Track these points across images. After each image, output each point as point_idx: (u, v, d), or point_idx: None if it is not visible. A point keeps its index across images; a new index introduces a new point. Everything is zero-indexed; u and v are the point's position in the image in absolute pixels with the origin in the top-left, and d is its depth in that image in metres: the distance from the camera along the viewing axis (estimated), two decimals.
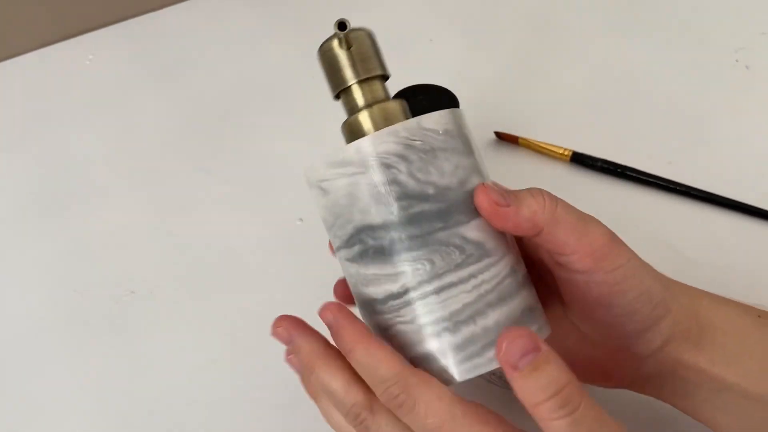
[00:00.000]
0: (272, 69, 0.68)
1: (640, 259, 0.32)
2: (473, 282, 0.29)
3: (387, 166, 0.28)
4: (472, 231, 0.29)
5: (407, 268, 0.29)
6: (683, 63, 0.65)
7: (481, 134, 0.58)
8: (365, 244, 0.29)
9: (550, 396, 0.25)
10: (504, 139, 0.58)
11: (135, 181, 0.56)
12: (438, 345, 0.28)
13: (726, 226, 0.48)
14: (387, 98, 0.32)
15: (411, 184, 0.28)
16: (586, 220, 0.31)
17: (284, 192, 0.53)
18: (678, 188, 0.51)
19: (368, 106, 0.31)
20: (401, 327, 0.29)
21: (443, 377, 0.29)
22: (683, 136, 0.57)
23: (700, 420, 0.33)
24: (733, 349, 0.31)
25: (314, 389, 0.31)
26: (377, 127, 0.30)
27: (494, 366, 0.28)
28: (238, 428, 0.40)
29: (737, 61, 0.65)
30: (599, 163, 0.54)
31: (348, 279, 0.32)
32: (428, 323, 0.29)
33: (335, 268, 0.48)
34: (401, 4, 0.77)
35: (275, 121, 0.62)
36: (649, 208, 0.50)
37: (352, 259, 0.30)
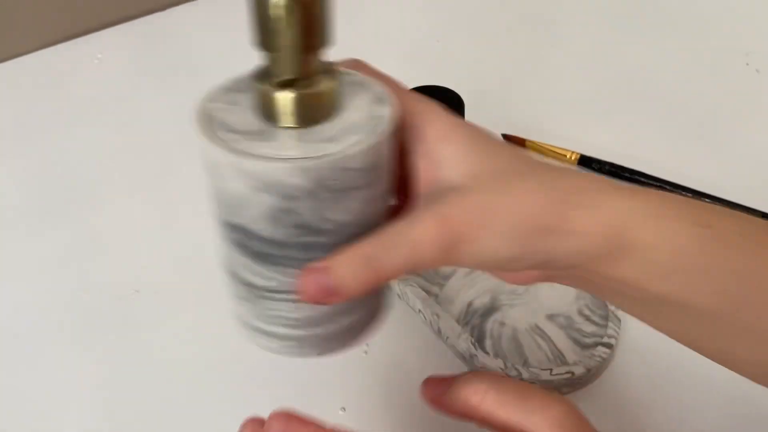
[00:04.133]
0: None
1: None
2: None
3: (291, 198, 0.26)
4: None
5: (279, 278, 0.28)
6: (693, 66, 0.65)
7: None
8: (246, 243, 0.28)
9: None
10: (511, 141, 0.57)
11: (142, 180, 0.56)
12: (281, 332, 0.30)
13: None
14: (319, 76, 0.27)
15: (311, 218, 0.27)
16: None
17: None
18: (688, 192, 0.50)
19: (297, 86, 0.27)
20: (247, 293, 0.30)
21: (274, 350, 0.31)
22: (693, 140, 0.57)
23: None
24: (667, 265, 0.27)
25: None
26: (297, 122, 0.27)
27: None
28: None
29: (748, 64, 0.65)
30: (607, 167, 0.53)
31: (220, 239, 0.30)
32: (275, 315, 0.29)
33: None
34: (409, 4, 0.77)
35: None
36: None
37: (227, 240, 0.29)
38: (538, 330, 0.43)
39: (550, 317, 0.44)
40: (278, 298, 0.29)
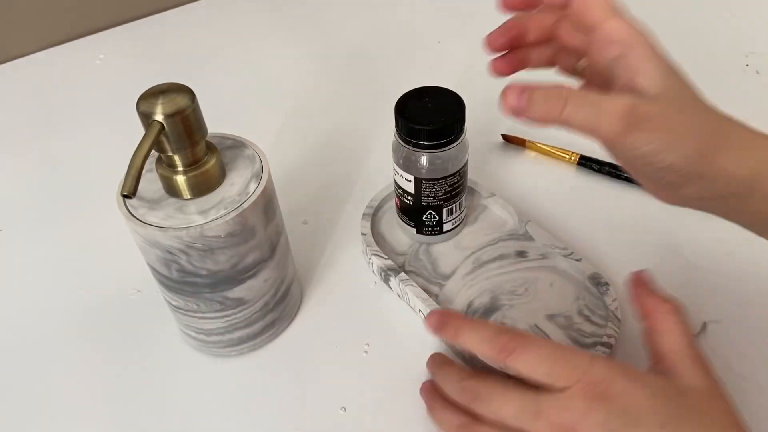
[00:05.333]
0: (280, 68, 0.68)
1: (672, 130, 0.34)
2: (226, 318, 0.40)
3: (170, 253, 0.36)
4: (234, 293, 0.39)
5: (181, 302, 0.39)
6: (693, 67, 0.64)
7: (488, 137, 0.58)
8: (156, 276, 0.39)
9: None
10: (511, 142, 0.57)
11: None
12: (195, 335, 0.42)
13: (735, 232, 0.48)
14: (204, 159, 0.36)
15: (188, 267, 0.36)
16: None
17: (289, 195, 0.53)
18: None
19: (186, 171, 0.35)
20: (170, 308, 0.42)
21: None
22: None
23: None
24: None
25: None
26: (193, 193, 0.36)
27: (229, 355, 0.43)
28: (243, 426, 0.41)
29: (747, 65, 0.65)
30: (606, 168, 0.54)
31: None
32: (187, 325, 0.41)
33: (333, 266, 0.49)
34: (410, 5, 0.77)
35: (277, 119, 0.62)
36: (656, 213, 0.50)
37: (149, 261, 0.38)
38: (537, 330, 0.43)
39: (550, 317, 0.44)
40: (185, 314, 0.40)
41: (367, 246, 0.47)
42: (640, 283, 0.38)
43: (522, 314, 0.44)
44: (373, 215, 0.50)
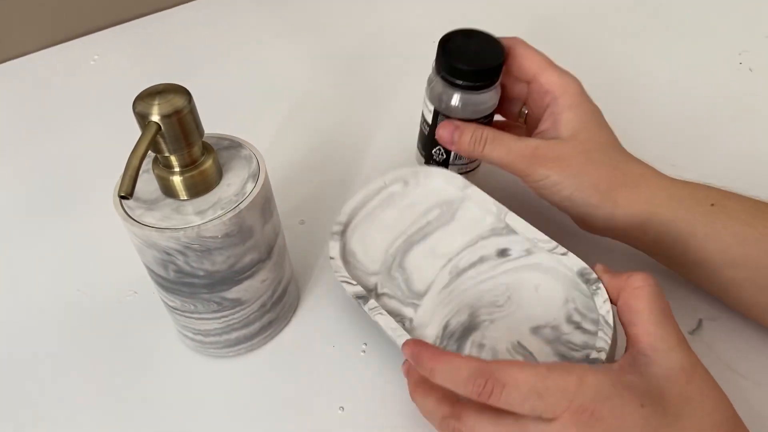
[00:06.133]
0: (277, 68, 0.68)
1: (572, 168, 0.42)
2: (224, 319, 0.40)
3: (167, 253, 0.36)
4: (231, 294, 0.39)
5: (178, 301, 0.39)
6: (687, 65, 0.65)
7: None
8: (152, 277, 0.39)
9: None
10: None
11: None
12: (191, 336, 0.42)
13: None
14: (201, 160, 0.36)
15: (185, 268, 0.37)
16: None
17: (286, 195, 0.53)
18: None
19: (183, 172, 0.35)
20: (167, 309, 0.42)
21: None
22: (687, 139, 0.57)
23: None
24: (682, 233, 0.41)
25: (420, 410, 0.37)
26: (190, 194, 0.36)
27: (227, 355, 0.43)
28: (241, 427, 0.41)
29: (741, 63, 0.65)
30: None
31: None
32: (184, 325, 0.42)
33: (330, 266, 0.49)
34: (409, 5, 0.77)
35: (274, 119, 0.62)
36: None
37: (146, 262, 0.38)
38: (520, 348, 0.39)
39: (535, 330, 0.40)
40: (182, 315, 0.40)
41: (335, 272, 0.43)
42: (605, 271, 0.38)
43: (503, 331, 0.40)
44: (343, 233, 0.45)
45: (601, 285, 0.39)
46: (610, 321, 0.38)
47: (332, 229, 0.45)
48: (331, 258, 0.44)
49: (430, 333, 0.41)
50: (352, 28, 0.73)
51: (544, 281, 0.42)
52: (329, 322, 0.45)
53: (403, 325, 0.41)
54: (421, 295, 0.42)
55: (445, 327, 0.41)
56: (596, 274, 0.39)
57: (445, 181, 0.47)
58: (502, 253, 0.43)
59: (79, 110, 0.64)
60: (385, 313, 0.40)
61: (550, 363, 0.34)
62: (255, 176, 0.37)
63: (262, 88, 0.66)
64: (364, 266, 0.44)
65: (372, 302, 0.41)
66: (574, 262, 0.41)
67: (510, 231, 0.44)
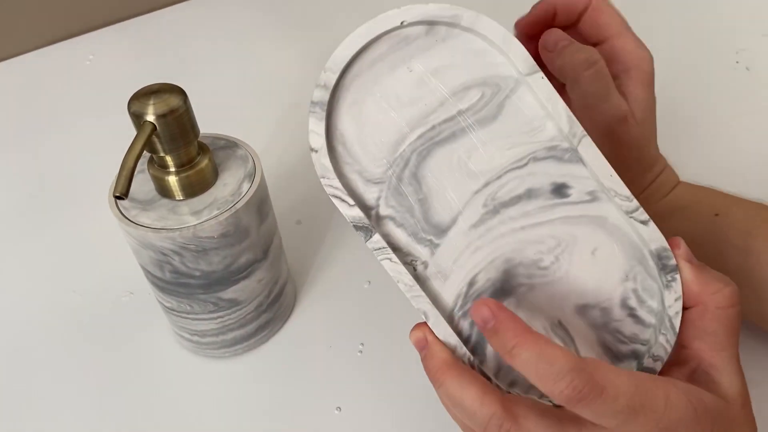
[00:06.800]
0: (272, 67, 0.68)
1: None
2: (220, 319, 0.40)
3: (163, 254, 0.36)
4: (227, 294, 0.39)
5: (173, 302, 0.39)
6: (684, 64, 0.65)
7: None
8: (148, 277, 0.39)
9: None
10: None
11: None
12: (186, 343, 0.43)
13: None
14: (196, 159, 0.35)
15: (181, 268, 0.36)
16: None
17: (282, 195, 0.53)
18: None
19: (178, 172, 0.35)
20: (163, 309, 0.42)
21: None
22: (683, 138, 0.57)
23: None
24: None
25: (444, 401, 0.29)
26: (186, 194, 0.36)
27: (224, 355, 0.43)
28: (239, 427, 0.40)
29: (738, 62, 0.65)
30: None
31: None
32: (180, 326, 0.41)
33: (326, 266, 0.49)
34: (406, 4, 0.77)
35: (270, 119, 0.62)
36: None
37: (142, 263, 0.38)
38: (559, 329, 0.31)
39: (582, 310, 0.31)
40: (178, 315, 0.40)
41: (322, 177, 0.29)
42: (687, 261, 0.31)
43: (543, 303, 0.31)
44: (331, 102, 0.29)
45: (677, 278, 0.30)
46: (677, 326, 0.30)
47: (313, 96, 0.29)
48: (313, 151, 0.29)
49: (450, 289, 0.30)
50: (348, 27, 0.73)
51: (604, 244, 0.31)
52: (326, 322, 0.45)
53: (414, 269, 0.30)
54: (441, 231, 0.30)
55: (471, 284, 0.30)
56: (675, 259, 0.30)
57: (498, 43, 0.30)
58: (558, 190, 0.31)
59: (74, 110, 0.64)
60: (390, 256, 0.29)
61: (640, 373, 0.28)
62: (251, 176, 0.37)
63: (258, 87, 0.66)
64: (360, 163, 0.30)
65: (376, 238, 0.29)
66: (653, 237, 0.30)
67: (576, 159, 0.30)
